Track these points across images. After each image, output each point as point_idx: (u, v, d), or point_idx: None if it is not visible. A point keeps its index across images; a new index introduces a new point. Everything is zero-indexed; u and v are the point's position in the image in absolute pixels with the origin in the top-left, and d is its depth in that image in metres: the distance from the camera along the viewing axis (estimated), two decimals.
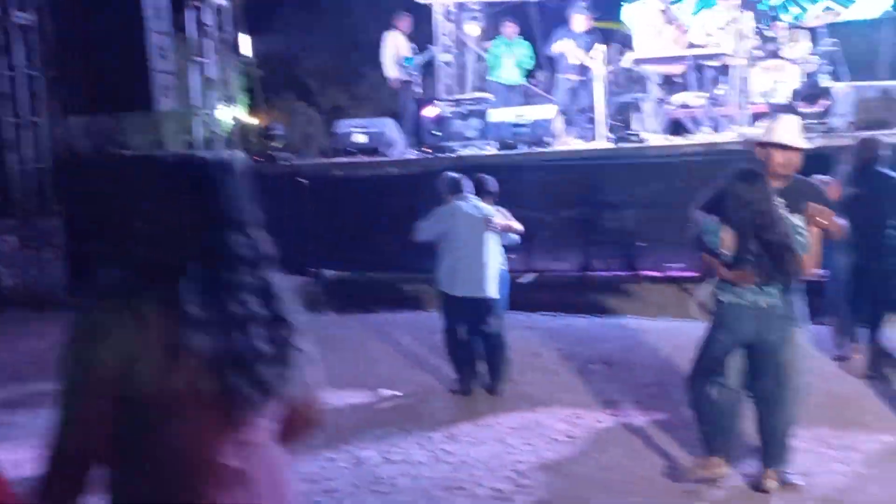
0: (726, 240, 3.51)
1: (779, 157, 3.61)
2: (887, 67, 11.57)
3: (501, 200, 7.51)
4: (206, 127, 8.40)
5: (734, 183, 3.50)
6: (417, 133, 9.18)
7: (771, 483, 3.61)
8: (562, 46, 9.02)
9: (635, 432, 4.50)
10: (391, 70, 9.55)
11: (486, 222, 5.15)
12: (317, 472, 4.16)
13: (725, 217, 3.51)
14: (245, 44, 8.65)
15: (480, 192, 5.46)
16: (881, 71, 11.34)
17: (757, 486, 3.65)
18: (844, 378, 5.17)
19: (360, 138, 8.65)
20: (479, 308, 5.15)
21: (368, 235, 7.98)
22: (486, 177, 5.63)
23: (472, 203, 5.29)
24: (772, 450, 3.64)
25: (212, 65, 8.30)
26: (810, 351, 5.45)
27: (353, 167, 8.37)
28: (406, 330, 7.07)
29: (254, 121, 10.20)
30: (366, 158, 8.47)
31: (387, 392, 5.44)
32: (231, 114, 8.62)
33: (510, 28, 9.52)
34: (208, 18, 8.28)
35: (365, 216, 7.94)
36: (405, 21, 9.66)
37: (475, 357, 5.27)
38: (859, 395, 4.90)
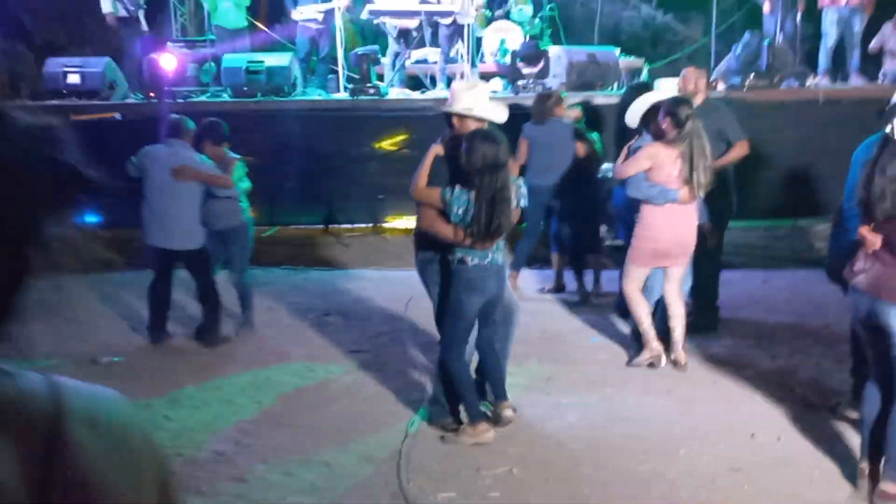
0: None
1: (473, 126, 3.68)
2: (599, 33, 12.79)
3: (238, 151, 7.21)
4: None
5: (480, 147, 3.48)
6: (141, 76, 8.39)
7: (508, 413, 3.89)
8: (301, 13, 8.78)
9: (365, 382, 4.60)
10: (106, 5, 8.58)
11: (174, 171, 4.90)
12: None
13: (470, 182, 3.50)
14: None
15: (203, 137, 5.14)
16: (593, 36, 12.52)
17: (498, 419, 3.88)
18: (552, 316, 5.73)
19: (74, 78, 7.72)
20: (176, 258, 5.10)
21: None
22: (212, 121, 5.29)
23: (173, 147, 4.99)
24: (502, 386, 3.92)
25: None
26: (525, 293, 6.01)
27: (63, 111, 7.45)
28: (127, 289, 6.54)
29: None
30: (80, 102, 7.58)
31: (105, 359, 5.00)
32: None
33: None
34: None
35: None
36: None
37: (165, 307, 5.21)
38: (567, 331, 5.46)
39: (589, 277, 6.08)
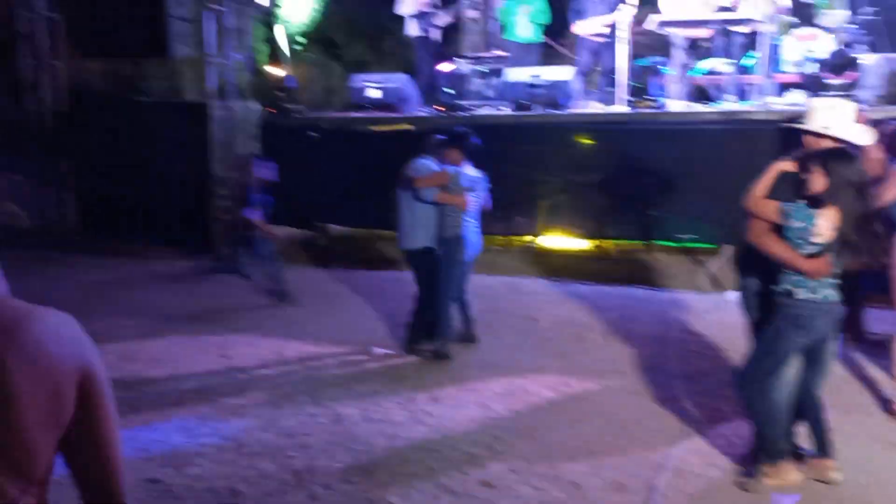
0: (822, 227, 3.14)
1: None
2: None
3: (515, 162, 7.37)
4: (220, 76, 8.32)
5: (834, 163, 3.16)
6: (432, 90, 8.99)
7: (834, 475, 3.42)
8: (583, 27, 8.79)
9: (621, 405, 4.41)
10: (410, 26, 9.36)
11: (409, 180, 5.10)
12: (294, 427, 4.16)
13: (824, 202, 3.14)
14: None
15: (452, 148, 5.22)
16: None
17: (825, 479, 3.43)
18: None
19: (375, 93, 8.50)
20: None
21: (376, 192, 7.89)
22: (460, 132, 5.31)
23: (422, 161, 5.18)
24: (825, 440, 3.46)
25: (229, 13, 8.18)
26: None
27: (363, 122, 8.25)
28: (408, 289, 7.02)
29: (272, 72, 10.09)
30: (378, 114, 8.33)
31: (379, 350, 5.41)
32: (247, 64, 8.53)
33: None
34: None
35: (373, 172, 7.83)
36: None
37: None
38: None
39: None
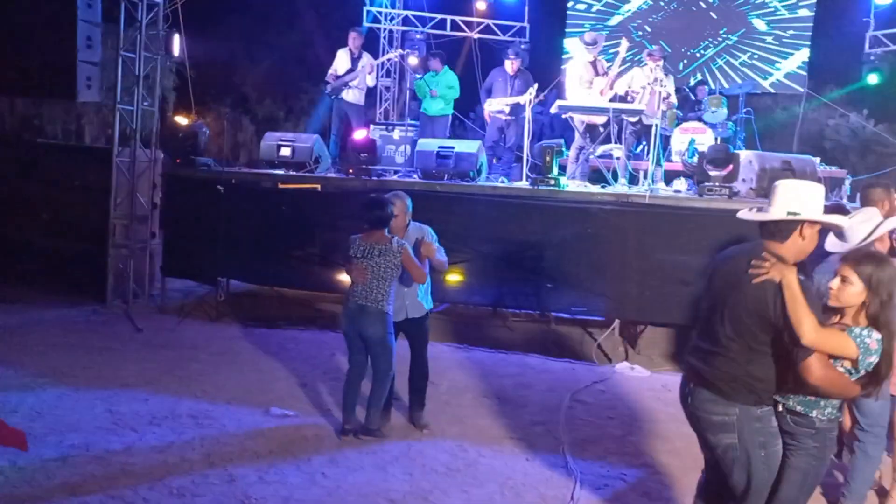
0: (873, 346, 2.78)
1: (814, 240, 2.93)
2: (799, 141, 12.27)
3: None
4: (126, 122, 8.20)
5: (883, 280, 2.79)
6: (344, 153, 9.21)
7: None
8: (491, 105, 9.37)
9: (514, 470, 4.56)
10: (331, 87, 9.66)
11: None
12: (185, 486, 4.08)
13: (873, 319, 2.81)
14: (177, 44, 8.49)
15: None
16: (792, 143, 12.03)
17: None
18: None
19: (286, 152, 8.61)
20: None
21: (282, 250, 7.90)
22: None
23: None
24: None
25: (138, 60, 8.13)
26: None
27: (272, 179, 8.31)
28: (310, 348, 7.02)
29: (180, 122, 10.02)
30: (290, 172, 8.42)
31: (277, 411, 5.37)
32: (154, 112, 8.44)
33: (435, 61, 9.77)
34: (141, 14, 8.12)
35: (280, 230, 7.86)
36: (355, 39, 9.74)
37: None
38: None
39: None
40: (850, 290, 2.84)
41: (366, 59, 9.69)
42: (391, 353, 4.83)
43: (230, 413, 5.27)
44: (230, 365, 6.45)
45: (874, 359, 2.77)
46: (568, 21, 14.19)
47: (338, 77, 9.60)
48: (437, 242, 5.08)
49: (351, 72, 9.55)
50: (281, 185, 8.17)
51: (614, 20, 14.12)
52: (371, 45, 12.26)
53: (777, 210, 2.89)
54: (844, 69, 12.72)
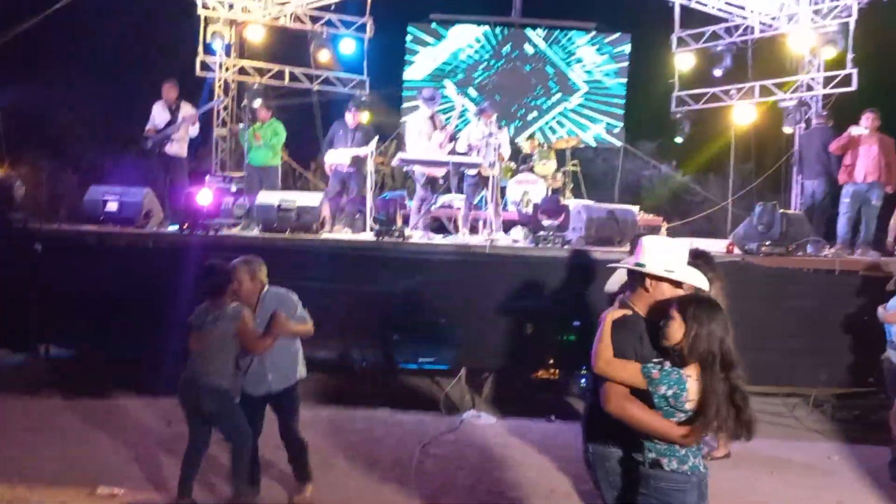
0: (693, 391, 2.83)
1: (668, 292, 3.06)
2: (619, 189, 13.30)
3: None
4: None
5: (700, 315, 2.85)
6: (178, 206, 8.78)
7: None
8: (332, 157, 9.38)
9: None
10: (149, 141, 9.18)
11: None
12: None
13: (687, 357, 2.86)
14: None
15: None
16: (613, 192, 13.01)
17: None
18: None
19: (112, 206, 8.08)
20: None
21: (111, 312, 7.34)
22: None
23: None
24: None
25: None
26: None
27: (97, 236, 7.75)
28: (142, 419, 6.52)
29: None
30: (114, 228, 7.89)
31: (105, 490, 4.92)
32: None
33: (262, 111, 9.67)
34: None
35: (108, 291, 7.31)
36: (170, 90, 9.33)
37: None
38: None
39: None
40: (672, 326, 2.89)
41: (186, 108, 9.31)
42: (237, 426, 4.48)
43: (50, 495, 4.77)
44: (49, 441, 5.84)
45: (687, 397, 2.80)
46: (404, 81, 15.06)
47: (159, 131, 9.18)
48: (301, 308, 4.76)
49: (172, 124, 9.16)
50: (109, 244, 7.61)
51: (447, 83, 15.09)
52: (204, 95, 11.95)
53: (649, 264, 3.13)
54: (657, 125, 14.11)
